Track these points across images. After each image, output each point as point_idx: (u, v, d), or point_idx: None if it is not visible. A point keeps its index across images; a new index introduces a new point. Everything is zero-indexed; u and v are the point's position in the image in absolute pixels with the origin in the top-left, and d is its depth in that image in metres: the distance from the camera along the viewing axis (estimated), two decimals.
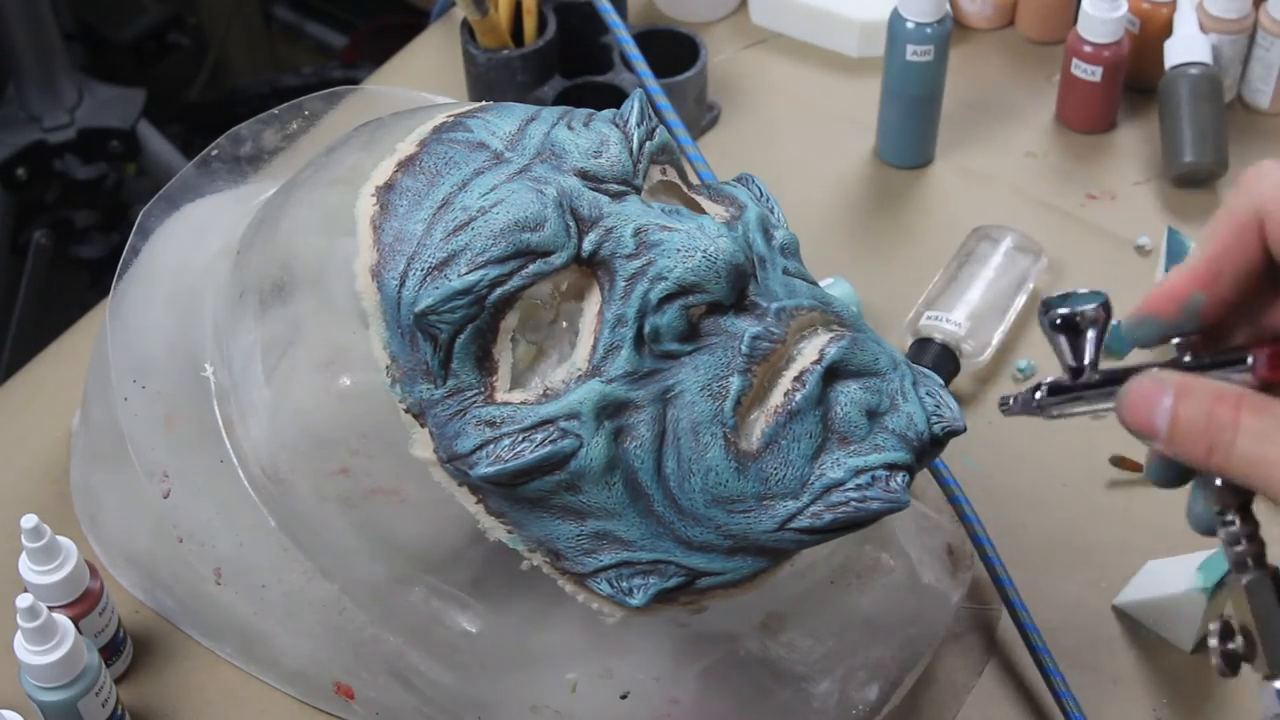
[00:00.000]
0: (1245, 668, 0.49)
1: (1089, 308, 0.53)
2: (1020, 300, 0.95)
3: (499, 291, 0.61)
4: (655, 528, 0.63)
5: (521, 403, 0.62)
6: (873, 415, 0.62)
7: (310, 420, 0.67)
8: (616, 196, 0.64)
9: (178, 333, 0.75)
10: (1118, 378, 0.52)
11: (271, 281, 0.69)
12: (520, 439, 0.62)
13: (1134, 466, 0.86)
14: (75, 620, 0.74)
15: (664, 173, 0.68)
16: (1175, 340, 0.52)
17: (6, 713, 0.75)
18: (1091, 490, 0.87)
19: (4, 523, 0.84)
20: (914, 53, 1.00)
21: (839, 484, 0.62)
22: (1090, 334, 0.53)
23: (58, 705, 0.72)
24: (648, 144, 0.66)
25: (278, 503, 0.70)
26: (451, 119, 0.68)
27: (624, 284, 0.62)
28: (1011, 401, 0.59)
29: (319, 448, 0.68)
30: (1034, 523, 0.85)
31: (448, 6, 1.20)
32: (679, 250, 0.61)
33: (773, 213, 0.69)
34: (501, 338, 0.63)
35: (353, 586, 0.71)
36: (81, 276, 1.68)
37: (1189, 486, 0.56)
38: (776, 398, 0.62)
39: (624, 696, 0.71)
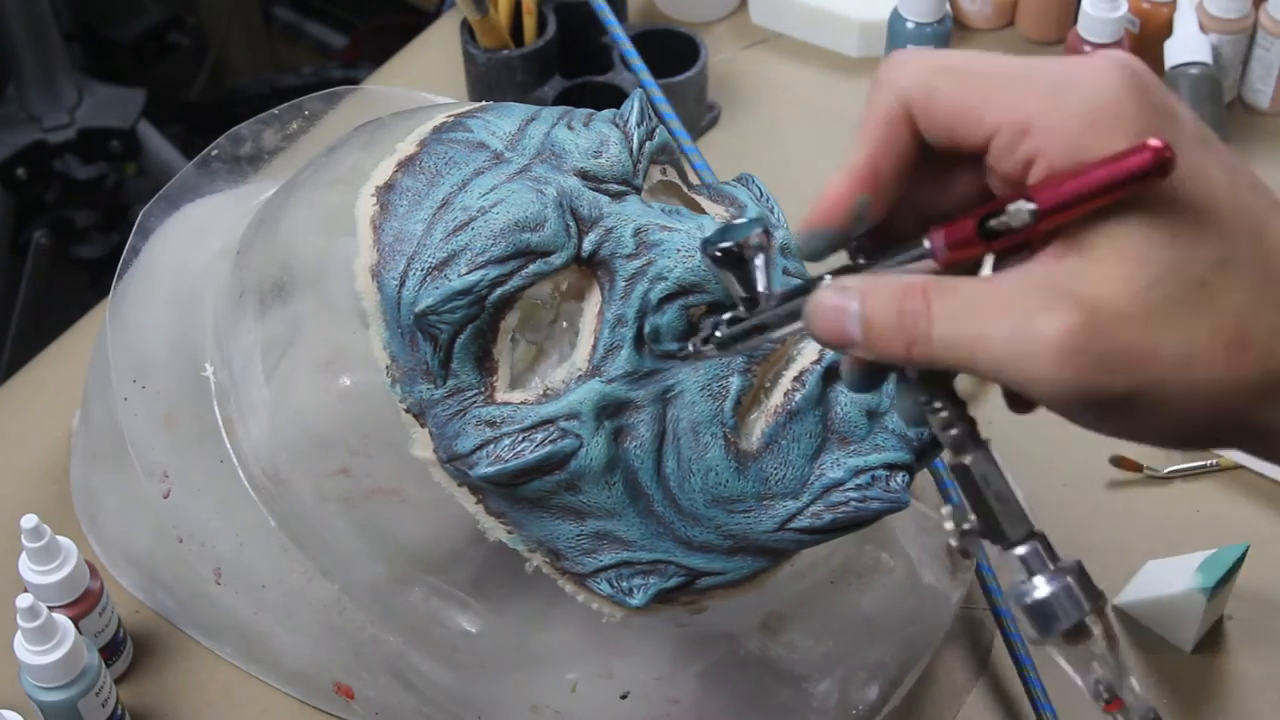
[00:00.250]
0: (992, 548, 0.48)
1: (750, 236, 0.52)
2: None
3: (499, 291, 0.61)
4: (655, 528, 0.63)
5: (521, 403, 0.63)
6: (873, 415, 0.62)
7: (310, 420, 0.67)
8: (616, 196, 0.64)
9: (178, 333, 0.75)
10: (797, 293, 0.50)
11: (271, 281, 0.69)
12: (520, 439, 0.62)
13: (1134, 466, 0.86)
14: (75, 620, 0.74)
15: (664, 173, 0.68)
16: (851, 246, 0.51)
17: (6, 713, 0.75)
18: (1091, 490, 0.87)
19: (4, 523, 0.84)
20: None
21: (839, 484, 0.62)
22: (757, 261, 0.52)
23: (58, 705, 0.72)
24: (648, 144, 0.66)
25: (278, 503, 0.70)
26: (451, 119, 0.68)
27: (624, 284, 0.62)
28: (690, 346, 0.58)
29: (319, 448, 0.68)
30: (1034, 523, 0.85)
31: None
32: (679, 250, 0.61)
33: (773, 213, 0.69)
34: (501, 338, 0.63)
35: (353, 586, 0.71)
36: (81, 276, 1.68)
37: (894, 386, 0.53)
38: (776, 398, 0.62)
39: (624, 696, 0.71)
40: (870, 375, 0.51)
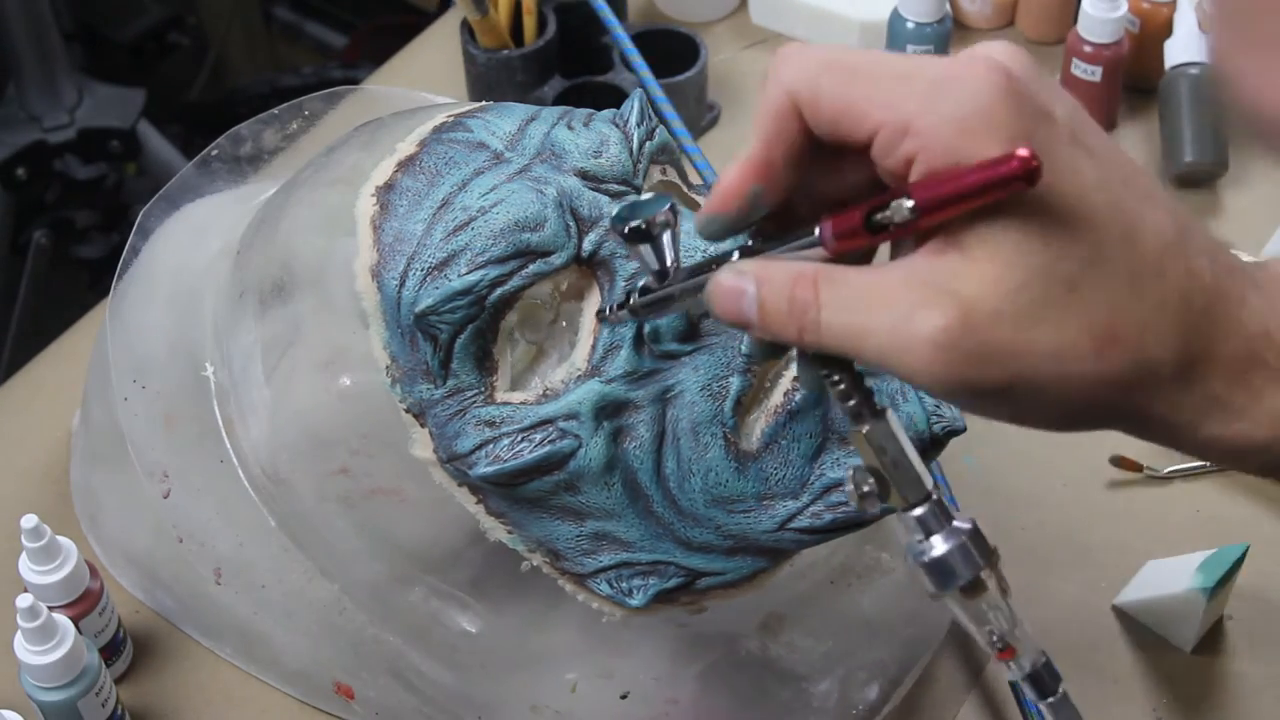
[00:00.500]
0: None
1: (657, 213, 0.54)
2: None
3: (499, 291, 0.61)
4: (655, 528, 0.63)
5: (521, 403, 0.63)
6: None
7: (310, 420, 0.67)
8: (616, 196, 0.64)
9: (178, 333, 0.75)
10: (702, 269, 0.52)
11: (271, 281, 0.69)
12: (519, 439, 0.62)
13: (1134, 466, 0.86)
14: (75, 620, 0.74)
15: (664, 172, 0.68)
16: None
17: (6, 713, 0.75)
18: (1091, 490, 0.87)
19: (4, 523, 0.84)
20: (914, 53, 1.00)
21: (839, 484, 0.62)
22: (665, 237, 0.54)
23: (58, 705, 0.72)
24: (648, 144, 0.66)
25: (278, 503, 0.70)
26: (451, 119, 0.68)
27: (624, 284, 0.62)
28: (609, 310, 0.60)
29: (319, 448, 0.68)
30: (1034, 523, 0.85)
31: None
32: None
33: None
34: (501, 338, 0.63)
35: (353, 586, 0.71)
36: (81, 276, 1.68)
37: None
38: (776, 398, 0.62)
39: (624, 696, 0.71)
40: (772, 347, 0.55)
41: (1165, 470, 0.86)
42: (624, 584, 0.64)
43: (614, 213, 0.56)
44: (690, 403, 0.61)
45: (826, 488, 0.62)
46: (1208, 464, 0.86)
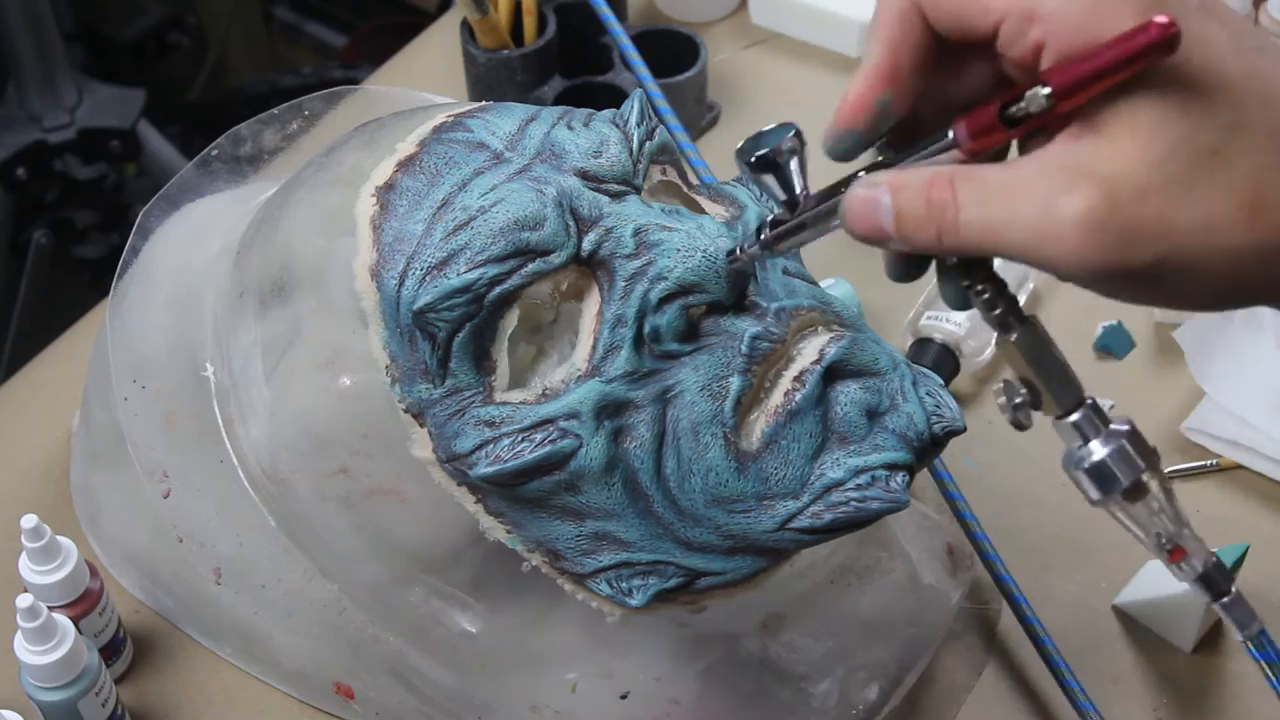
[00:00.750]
0: (1036, 416, 0.51)
1: (783, 141, 0.54)
2: (1021, 300, 0.95)
3: (498, 290, 0.61)
4: (655, 528, 0.63)
5: (521, 402, 0.62)
6: (873, 415, 0.62)
7: (310, 420, 0.67)
8: (616, 196, 0.64)
9: (178, 332, 0.75)
10: (831, 193, 0.52)
11: (271, 281, 0.69)
12: (519, 439, 0.62)
13: None
14: (75, 620, 0.74)
15: (664, 173, 0.68)
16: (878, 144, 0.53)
17: (6, 713, 0.75)
18: None
19: (4, 523, 0.84)
20: None
21: (839, 484, 0.62)
22: (793, 164, 0.54)
23: (58, 705, 0.72)
24: (648, 144, 0.66)
25: (278, 503, 0.70)
26: (451, 119, 0.68)
27: (624, 284, 0.62)
28: (739, 250, 0.59)
29: (319, 448, 0.68)
30: (1034, 523, 0.85)
31: None
32: (679, 250, 0.61)
33: (772, 212, 0.69)
34: (500, 337, 0.63)
35: (353, 586, 0.71)
36: (81, 276, 1.68)
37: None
38: (776, 398, 0.62)
39: (624, 696, 0.71)
40: (909, 266, 0.53)
41: (1165, 470, 0.86)
42: (624, 584, 0.64)
43: (739, 145, 0.55)
44: (690, 403, 0.61)
45: (826, 487, 0.62)
46: (1207, 464, 0.87)
